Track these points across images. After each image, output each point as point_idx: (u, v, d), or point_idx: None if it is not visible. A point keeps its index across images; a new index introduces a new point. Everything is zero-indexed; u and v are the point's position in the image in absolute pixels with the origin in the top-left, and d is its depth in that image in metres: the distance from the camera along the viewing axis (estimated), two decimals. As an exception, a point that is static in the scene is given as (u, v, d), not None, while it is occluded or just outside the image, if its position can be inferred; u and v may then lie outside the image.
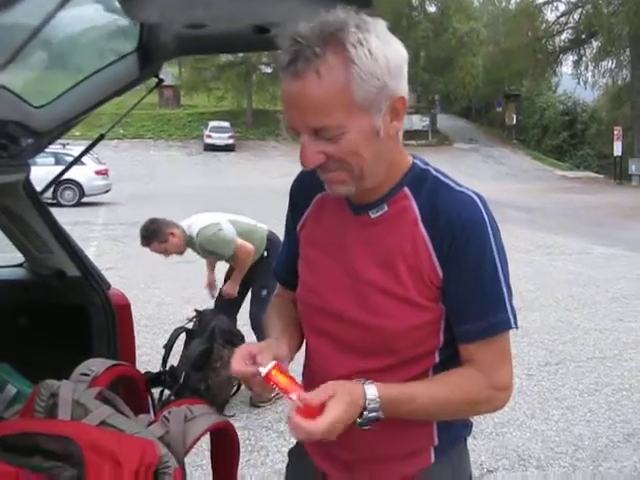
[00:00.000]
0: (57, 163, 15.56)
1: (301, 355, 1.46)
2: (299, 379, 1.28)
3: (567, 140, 41.52)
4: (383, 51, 1.14)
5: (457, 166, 29.05)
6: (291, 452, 1.54)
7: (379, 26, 1.16)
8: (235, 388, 4.59)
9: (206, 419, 1.47)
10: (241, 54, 37.54)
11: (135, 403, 1.68)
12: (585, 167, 38.29)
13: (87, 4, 2.42)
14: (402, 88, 1.19)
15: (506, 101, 44.69)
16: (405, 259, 1.25)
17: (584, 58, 38.41)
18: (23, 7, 1.40)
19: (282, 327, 1.40)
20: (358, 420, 1.19)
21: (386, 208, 1.28)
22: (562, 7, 38.80)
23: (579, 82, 39.18)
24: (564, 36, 39.25)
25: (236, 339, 4.49)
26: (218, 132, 35.97)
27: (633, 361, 5.67)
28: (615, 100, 37.51)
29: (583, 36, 37.67)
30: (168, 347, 4.49)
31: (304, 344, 1.45)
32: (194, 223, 4.59)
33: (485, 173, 32.19)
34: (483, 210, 1.24)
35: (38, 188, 2.95)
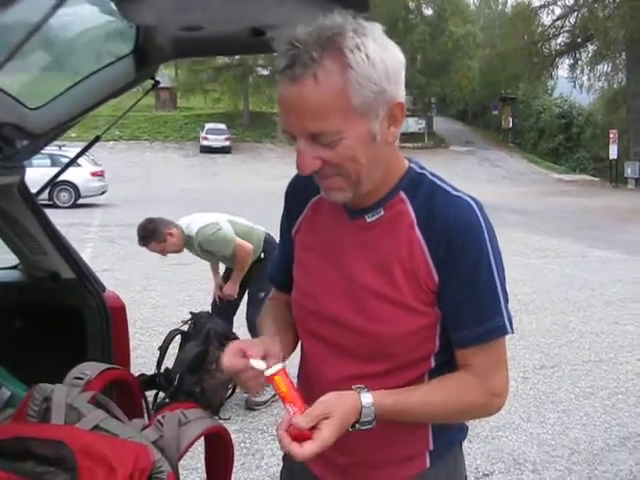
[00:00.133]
0: (53, 165, 15.56)
1: (295, 356, 1.46)
2: (294, 380, 1.27)
3: (563, 143, 41.59)
4: (381, 56, 1.13)
5: (453, 169, 29.13)
6: (285, 456, 1.54)
7: (376, 30, 1.15)
8: (230, 391, 4.59)
9: (200, 423, 1.47)
10: (237, 56, 37.57)
11: (129, 407, 1.67)
12: (581, 170, 38.38)
13: (83, 6, 2.42)
14: (400, 94, 1.18)
15: (502, 104, 44.80)
16: (401, 263, 1.24)
17: (580, 61, 38.53)
18: (20, 7, 1.39)
19: (276, 329, 1.39)
20: (350, 429, 1.19)
21: (382, 212, 1.28)
22: (558, 11, 38.94)
23: (575, 85, 39.30)
24: (560, 40, 39.38)
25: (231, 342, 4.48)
26: (214, 134, 35.97)
27: (629, 364, 5.67)
28: (611, 103, 37.59)
29: (579, 40, 37.76)
30: (163, 349, 4.48)
31: (299, 347, 1.45)
32: (193, 222, 4.56)
33: (481, 176, 32.25)
34: (479, 214, 1.24)
35: (34, 190, 2.94)
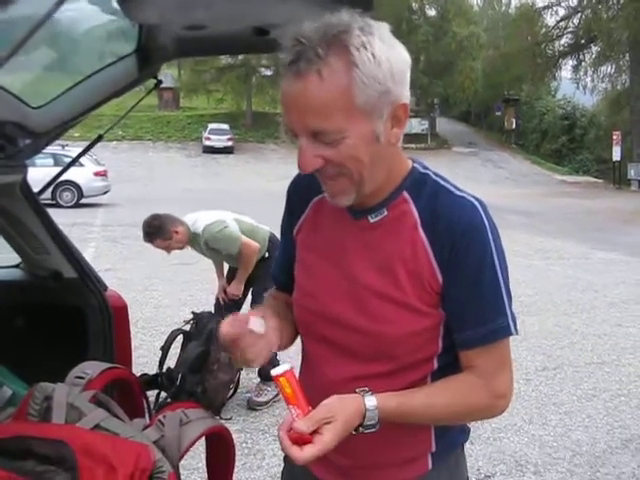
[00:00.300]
0: (56, 164, 15.57)
1: (291, 353, 1.45)
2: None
3: (566, 145, 41.56)
4: (387, 55, 1.12)
5: (456, 170, 29.08)
6: (286, 457, 1.53)
7: (383, 30, 1.15)
8: (232, 391, 4.59)
9: (201, 423, 1.46)
10: (241, 56, 37.58)
11: (130, 406, 1.66)
12: (584, 172, 38.34)
13: (86, 5, 2.42)
14: (405, 94, 1.17)
15: (505, 105, 44.77)
16: (404, 264, 1.23)
17: (583, 63, 38.50)
18: (23, 3, 1.39)
19: (277, 321, 1.37)
20: (353, 432, 1.19)
21: (385, 212, 1.27)
22: (562, 12, 38.94)
23: (578, 87, 39.26)
24: (563, 41, 39.34)
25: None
26: (217, 134, 35.97)
27: (631, 366, 5.66)
28: (614, 105, 37.56)
29: (582, 41, 37.73)
30: (165, 349, 4.48)
31: (300, 347, 1.44)
32: (199, 220, 4.54)
33: (484, 177, 32.23)
34: (483, 215, 1.23)
35: (37, 189, 2.94)
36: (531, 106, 44.27)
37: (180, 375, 4.33)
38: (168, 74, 39.80)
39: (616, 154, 30.95)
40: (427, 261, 1.23)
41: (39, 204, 2.89)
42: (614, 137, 31.40)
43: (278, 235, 1.54)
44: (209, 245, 4.51)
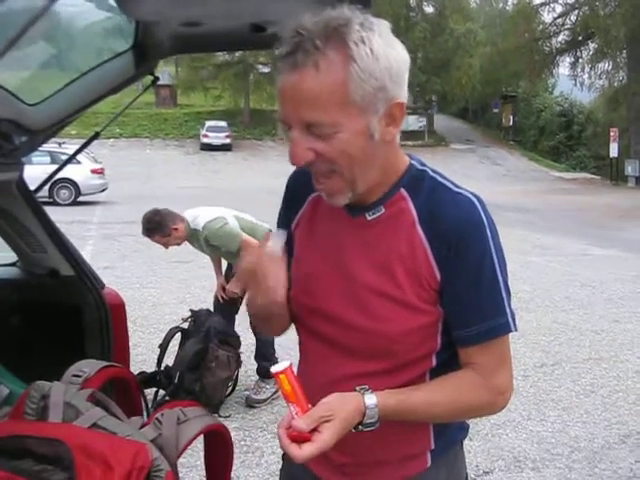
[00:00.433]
0: (53, 162, 15.54)
1: (290, 350, 1.44)
2: None
3: (563, 141, 41.53)
4: (385, 52, 1.12)
5: (453, 167, 29.09)
6: (285, 455, 1.52)
7: (384, 27, 1.14)
8: (230, 388, 4.58)
9: (199, 421, 1.46)
10: (238, 53, 37.53)
11: (127, 405, 1.66)
12: (581, 168, 38.33)
13: (83, 1, 2.41)
14: (402, 94, 1.16)
15: (503, 102, 44.74)
16: (402, 261, 1.23)
17: (581, 60, 38.43)
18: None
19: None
20: (353, 430, 1.18)
21: (383, 210, 1.26)
22: (559, 8, 38.86)
23: (576, 84, 39.20)
24: (561, 37, 39.27)
25: (231, 339, 4.47)
26: (215, 132, 35.91)
27: (629, 362, 5.66)
28: (611, 102, 37.52)
29: (580, 38, 37.68)
30: (163, 347, 4.47)
31: (298, 345, 1.43)
32: (200, 216, 4.53)
33: (481, 174, 32.21)
34: (482, 212, 1.22)
35: (34, 187, 2.93)
36: (528, 103, 44.24)
37: (178, 373, 4.32)
38: (165, 71, 39.74)
39: (613, 151, 30.97)
40: (425, 258, 1.22)
41: (36, 202, 2.88)
42: (611, 134, 31.41)
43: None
44: (209, 242, 4.50)
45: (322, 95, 1.10)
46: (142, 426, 1.47)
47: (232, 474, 1.79)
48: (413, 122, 38.56)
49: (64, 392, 1.50)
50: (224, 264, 4.98)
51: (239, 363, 4.54)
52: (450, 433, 1.37)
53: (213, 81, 41.00)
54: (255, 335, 4.63)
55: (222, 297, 4.84)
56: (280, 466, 1.57)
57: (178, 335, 4.58)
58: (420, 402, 1.23)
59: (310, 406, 1.15)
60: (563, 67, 41.00)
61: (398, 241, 1.24)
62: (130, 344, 3.16)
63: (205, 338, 4.37)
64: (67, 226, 11.82)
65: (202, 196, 18.47)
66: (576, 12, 37.65)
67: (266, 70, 40.13)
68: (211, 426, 1.51)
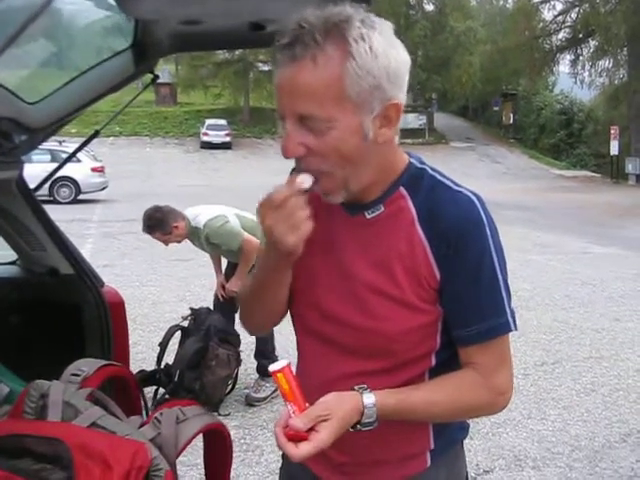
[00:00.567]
0: (53, 160, 15.52)
1: (289, 349, 1.44)
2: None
3: (564, 139, 41.51)
4: (385, 51, 1.11)
5: (453, 165, 29.08)
6: (284, 454, 1.52)
7: (385, 27, 1.14)
8: (230, 387, 4.58)
9: (198, 420, 1.45)
10: (238, 52, 37.50)
11: (127, 404, 1.66)
12: (582, 166, 38.31)
13: (82, 0, 2.41)
14: (399, 95, 1.16)
15: (503, 100, 44.71)
16: (401, 260, 1.22)
17: (581, 57, 38.37)
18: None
19: None
20: (351, 429, 1.18)
21: (382, 208, 1.25)
22: (559, 6, 38.78)
23: (576, 81, 39.14)
24: (561, 35, 39.21)
25: (231, 338, 4.47)
26: (215, 130, 35.91)
27: (630, 361, 5.66)
28: (612, 99, 37.46)
29: (580, 35, 37.62)
30: (163, 345, 4.47)
31: (296, 344, 1.43)
32: (201, 214, 4.53)
33: (481, 172, 32.20)
34: (481, 210, 1.22)
35: (35, 185, 2.93)
36: (529, 101, 44.21)
37: (178, 371, 4.32)
38: (165, 69, 39.75)
39: (614, 148, 30.93)
40: (424, 257, 1.21)
41: (35, 200, 2.88)
42: (612, 131, 31.38)
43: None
44: (210, 240, 4.50)
45: (318, 89, 1.10)
46: (141, 425, 1.47)
47: (232, 472, 1.79)
48: (413, 120, 38.54)
49: (63, 391, 1.50)
50: (224, 262, 4.98)
51: (239, 361, 4.54)
52: (450, 433, 1.37)
53: (213, 79, 40.98)
54: (257, 337, 4.63)
55: (222, 296, 4.84)
56: (280, 465, 1.57)
57: (178, 333, 4.58)
58: (419, 402, 1.22)
59: (308, 405, 1.15)
60: (563, 65, 40.96)
61: (397, 240, 1.23)
62: (130, 342, 3.16)
63: (205, 336, 4.37)
64: (67, 224, 11.82)
65: (202, 194, 18.47)
66: (576, 9, 37.59)
67: (266, 68, 40.06)
68: (210, 425, 1.51)
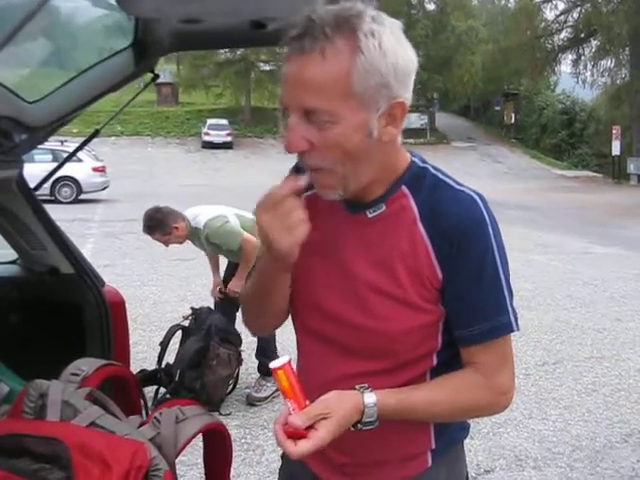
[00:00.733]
0: (55, 160, 15.50)
1: (290, 348, 1.43)
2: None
3: (565, 139, 41.50)
4: (394, 49, 1.11)
5: (454, 164, 29.06)
6: (284, 454, 1.51)
7: (395, 26, 1.14)
8: (231, 386, 4.58)
9: (198, 420, 1.45)
10: (239, 51, 37.53)
11: (126, 404, 1.65)
12: (583, 166, 38.29)
13: (82, -1, 2.40)
14: (405, 94, 1.15)
15: (505, 100, 44.71)
16: (403, 260, 1.21)
17: (583, 57, 38.36)
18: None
19: None
20: (352, 429, 1.17)
21: (384, 207, 1.24)
22: (561, 6, 38.77)
23: (578, 81, 39.14)
24: (563, 35, 39.21)
25: (232, 337, 4.47)
26: (216, 130, 35.92)
27: (631, 361, 5.65)
28: (614, 99, 37.44)
29: (582, 35, 37.61)
30: (164, 345, 4.47)
31: (296, 343, 1.42)
32: (201, 214, 4.53)
33: (483, 172, 32.19)
34: (484, 210, 1.21)
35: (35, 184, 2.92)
36: (530, 101, 44.19)
37: (179, 371, 4.32)
38: (167, 69, 39.77)
39: (615, 149, 30.90)
40: (427, 257, 1.20)
41: (36, 200, 2.88)
42: (614, 131, 31.35)
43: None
44: (210, 240, 4.50)
45: (325, 83, 1.09)
46: (140, 425, 1.46)
47: (233, 472, 1.78)
48: (415, 120, 38.53)
49: (62, 391, 1.49)
50: (224, 262, 4.97)
51: (240, 361, 4.54)
52: (451, 433, 1.36)
53: (214, 79, 40.99)
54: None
55: (218, 296, 4.84)
56: (280, 465, 1.56)
57: (179, 333, 4.58)
58: (420, 401, 1.22)
59: (308, 402, 1.15)
60: (565, 65, 40.97)
61: (399, 239, 1.22)
62: (131, 342, 3.15)
63: (206, 336, 4.37)
64: (68, 224, 11.83)
65: (203, 194, 18.48)
66: (578, 9, 37.59)
67: (267, 68, 40.12)
68: (210, 425, 1.50)
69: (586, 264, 10.37)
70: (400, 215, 1.23)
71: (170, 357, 4.46)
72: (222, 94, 41.67)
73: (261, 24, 2.12)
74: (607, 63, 37.27)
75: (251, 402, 4.58)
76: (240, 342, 4.51)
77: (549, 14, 39.89)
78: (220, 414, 4.25)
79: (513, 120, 43.74)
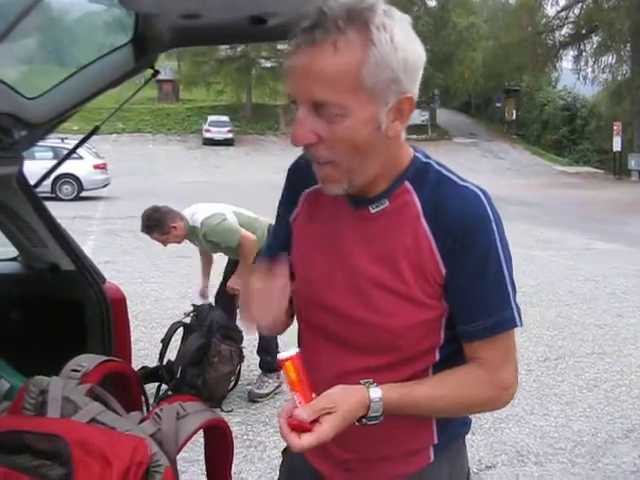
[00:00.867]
0: (55, 157, 15.50)
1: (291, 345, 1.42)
2: None
3: (567, 135, 41.45)
4: (404, 43, 1.10)
5: (456, 160, 28.99)
6: (285, 450, 1.51)
7: (405, 20, 1.13)
8: (233, 383, 4.58)
9: (199, 416, 1.44)
10: (240, 48, 37.46)
11: (127, 400, 1.65)
12: (584, 162, 38.25)
13: (82, -5, 2.40)
14: (414, 89, 1.15)
15: (506, 96, 44.66)
16: (407, 255, 1.21)
17: (584, 53, 38.34)
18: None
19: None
20: (357, 423, 1.17)
21: (387, 203, 1.23)
22: (562, 2, 38.71)
23: (579, 77, 39.11)
24: (564, 31, 39.17)
25: (234, 334, 4.47)
26: (217, 126, 35.90)
27: (632, 357, 5.65)
28: (615, 95, 37.41)
29: (583, 31, 37.57)
30: (165, 342, 4.47)
31: (299, 339, 1.41)
32: (198, 213, 4.53)
33: (484, 168, 32.16)
34: (487, 205, 1.20)
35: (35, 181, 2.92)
36: (531, 97, 44.14)
37: (180, 368, 4.32)
38: (168, 66, 39.72)
39: (617, 145, 30.89)
40: (430, 252, 1.20)
41: (36, 196, 2.87)
42: (615, 128, 31.32)
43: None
44: (207, 238, 4.49)
45: (336, 75, 1.08)
46: (141, 421, 1.46)
47: (234, 468, 1.78)
48: (416, 116, 38.37)
49: (62, 387, 1.49)
50: (223, 261, 4.96)
51: (241, 357, 4.54)
52: (453, 428, 1.36)
53: (215, 76, 40.95)
54: (258, 333, 4.62)
55: (216, 299, 4.88)
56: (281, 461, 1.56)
57: (180, 330, 4.58)
58: (423, 396, 1.21)
59: (314, 396, 1.14)
60: (566, 61, 41.02)
61: (402, 234, 1.22)
62: (132, 339, 3.15)
63: (207, 333, 4.37)
64: (69, 221, 11.84)
65: (204, 191, 18.50)
66: (580, 5, 37.53)
67: (268, 65, 40.08)
68: (211, 421, 1.50)
69: (587, 260, 10.36)
70: (403, 210, 1.23)
71: (172, 354, 4.46)
72: (223, 91, 41.62)
73: (261, 19, 2.11)
74: (608, 59, 37.26)
75: (253, 399, 4.58)
76: (241, 339, 4.51)
77: (550, 10, 39.86)
78: (222, 411, 4.25)
79: (514, 116, 43.70)
